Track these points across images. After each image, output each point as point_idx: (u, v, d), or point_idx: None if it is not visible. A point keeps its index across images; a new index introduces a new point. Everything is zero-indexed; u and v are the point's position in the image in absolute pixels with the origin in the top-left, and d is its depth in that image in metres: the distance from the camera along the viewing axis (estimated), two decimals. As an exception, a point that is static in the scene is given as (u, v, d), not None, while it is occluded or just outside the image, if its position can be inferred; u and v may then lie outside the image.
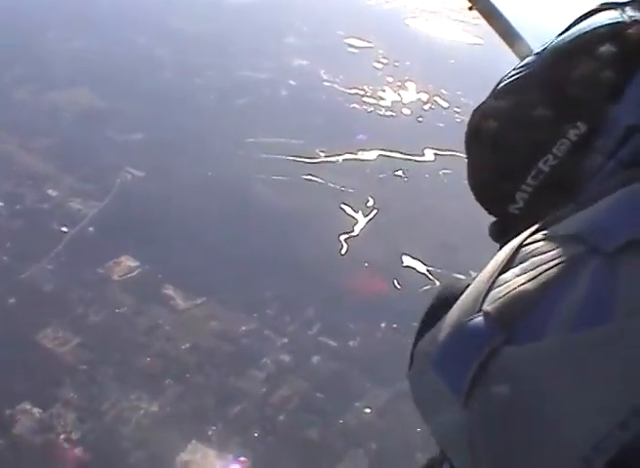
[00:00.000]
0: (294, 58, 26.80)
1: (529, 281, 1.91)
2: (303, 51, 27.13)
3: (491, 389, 1.84)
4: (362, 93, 25.76)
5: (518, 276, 1.96)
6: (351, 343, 15.82)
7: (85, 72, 23.58)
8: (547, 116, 2.31)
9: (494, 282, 2.01)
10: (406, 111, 25.65)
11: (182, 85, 24.17)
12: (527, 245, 2.06)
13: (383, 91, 26.38)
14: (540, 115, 2.32)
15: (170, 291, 16.07)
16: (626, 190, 1.95)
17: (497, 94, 2.55)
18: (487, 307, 1.94)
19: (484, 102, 2.60)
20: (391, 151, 22.50)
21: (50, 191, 18.29)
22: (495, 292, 1.98)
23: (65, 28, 25.68)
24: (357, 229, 19.02)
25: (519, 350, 1.83)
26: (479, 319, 1.93)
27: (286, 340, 15.43)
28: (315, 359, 15.28)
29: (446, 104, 26.51)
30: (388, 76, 27.41)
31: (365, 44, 29.31)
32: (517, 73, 2.51)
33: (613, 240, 1.77)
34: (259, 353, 14.99)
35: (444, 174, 22.76)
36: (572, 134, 2.22)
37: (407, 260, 18.04)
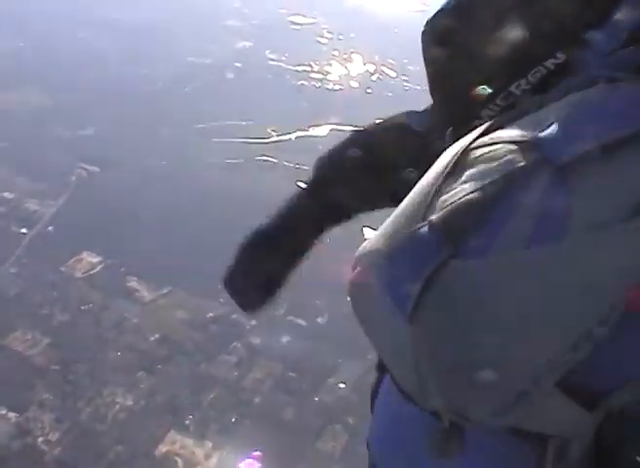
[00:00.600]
0: (237, 40, 26.78)
1: (476, 190, 1.96)
2: (246, 32, 27.10)
3: (438, 304, 1.93)
4: (309, 69, 25.77)
5: (465, 183, 2.01)
6: (320, 320, 15.79)
7: (30, 71, 23.37)
8: (526, 40, 2.38)
9: (439, 188, 2.07)
10: (354, 84, 25.69)
11: (128, 76, 24.01)
12: (474, 148, 2.11)
13: (330, 65, 26.38)
14: (518, 36, 2.39)
15: (134, 283, 15.97)
16: (581, 95, 1.98)
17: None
18: (432, 217, 2.00)
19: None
20: (343, 125, 22.53)
21: (5, 194, 18.12)
22: (440, 201, 2.04)
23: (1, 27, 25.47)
24: (314, 206, 18.97)
25: (468, 264, 1.91)
26: (424, 229, 1.99)
27: (254, 323, 15.43)
28: (285, 339, 15.25)
29: (394, 74, 26.47)
30: (334, 50, 27.42)
31: (308, 20, 29.36)
32: None
33: (567, 152, 1.84)
34: (228, 338, 14.92)
35: None
36: (550, 62, 2.27)
37: (368, 232, 18.08)
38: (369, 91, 25.68)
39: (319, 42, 28.30)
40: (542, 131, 1.93)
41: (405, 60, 27.18)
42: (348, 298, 2.70)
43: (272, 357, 15.32)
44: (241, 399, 14.30)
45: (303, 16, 29.46)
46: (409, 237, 2.00)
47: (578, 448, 2.43)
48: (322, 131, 22.68)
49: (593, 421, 2.37)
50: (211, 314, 15.79)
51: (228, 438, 13.39)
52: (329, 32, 28.58)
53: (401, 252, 2.06)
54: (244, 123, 21.81)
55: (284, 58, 26.51)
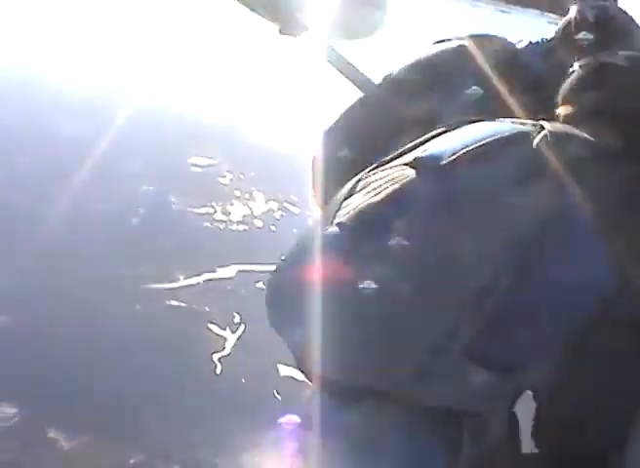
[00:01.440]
0: (140, 185, 26.93)
1: (373, 197, 2.78)
2: (148, 176, 27.29)
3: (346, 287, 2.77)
4: (211, 211, 26.01)
5: (362, 196, 2.85)
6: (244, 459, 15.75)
7: None
8: None
9: (340, 205, 2.91)
10: (258, 223, 25.99)
11: (31, 230, 23.91)
12: (366, 177, 2.98)
13: (232, 205, 26.71)
14: None
15: (52, 434, 15.79)
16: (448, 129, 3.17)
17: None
18: (339, 219, 2.83)
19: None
20: (250, 264, 22.72)
21: None
22: (342, 211, 2.86)
23: None
24: (228, 347, 19.08)
25: (370, 247, 2.73)
26: (334, 229, 2.84)
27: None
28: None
29: (297, 210, 26.94)
30: (235, 190, 27.78)
31: (208, 161, 29.74)
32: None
33: (442, 159, 2.85)
34: None
35: None
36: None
37: (283, 370, 18.10)
38: (273, 229, 25.99)
39: (220, 182, 28.69)
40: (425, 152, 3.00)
41: (307, 196, 27.46)
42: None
43: None
44: None
45: (204, 157, 29.87)
46: (322, 236, 3.04)
47: (496, 426, 2.87)
48: (229, 271, 22.80)
49: (507, 394, 2.89)
50: (132, 460, 15.49)
51: None
52: (229, 172, 29.01)
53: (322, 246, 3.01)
54: (151, 269, 21.79)
55: (186, 202, 26.73)
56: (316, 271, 3.09)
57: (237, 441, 16.07)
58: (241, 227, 25.85)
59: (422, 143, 3.10)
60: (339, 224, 2.83)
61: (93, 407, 16.22)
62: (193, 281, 21.71)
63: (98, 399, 16.43)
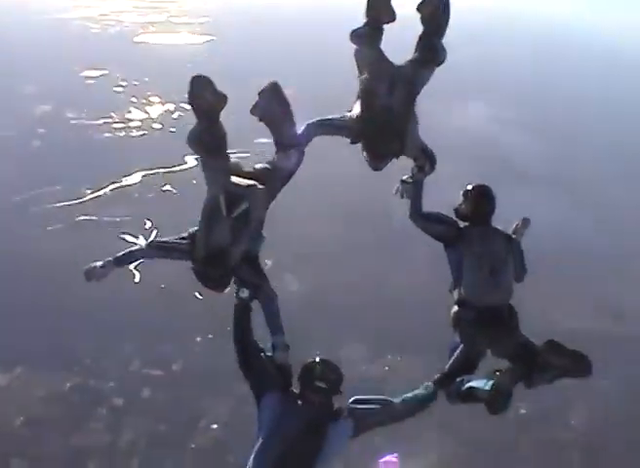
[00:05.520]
0: (36, 105, 26.45)
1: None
2: (44, 96, 26.84)
3: None
4: (110, 121, 25.90)
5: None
6: (174, 367, 16.01)
7: None
8: None
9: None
10: (156, 126, 26.02)
11: None
12: None
13: (130, 112, 26.58)
14: None
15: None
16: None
17: None
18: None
19: None
20: (153, 168, 22.72)
21: None
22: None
23: None
24: (144, 254, 19.12)
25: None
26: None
27: (113, 384, 15.48)
28: (146, 393, 15.41)
29: (194, 108, 26.80)
30: (132, 97, 27.66)
31: (101, 72, 29.31)
32: None
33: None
34: (91, 405, 14.99)
35: None
36: None
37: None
38: (172, 130, 26.13)
39: (116, 92, 28.47)
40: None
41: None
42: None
43: (139, 414, 15.50)
44: (119, 464, 14.37)
45: (96, 68, 29.42)
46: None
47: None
48: (134, 178, 23.22)
49: None
50: (68, 384, 15.81)
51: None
52: (123, 80, 28.75)
53: None
54: (58, 187, 21.85)
55: (84, 115, 26.65)
56: None
57: (165, 350, 16.37)
58: (140, 133, 26.00)
59: None
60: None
61: (21, 338, 16.30)
62: (100, 193, 21.81)
63: (24, 328, 16.51)
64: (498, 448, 13.86)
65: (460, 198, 7.30)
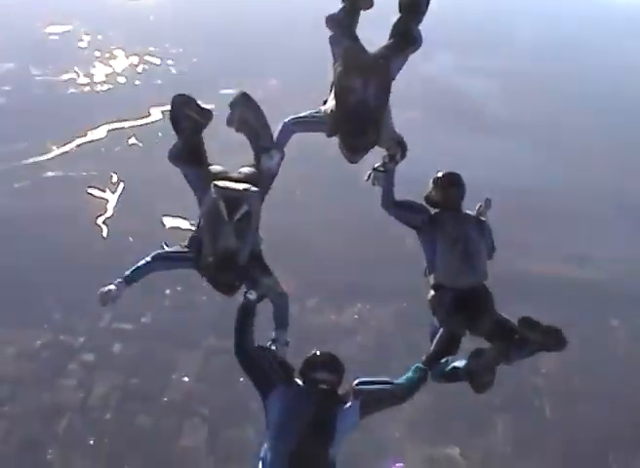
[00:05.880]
0: (0, 63, 26.00)
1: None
2: (8, 54, 26.44)
3: None
4: (75, 76, 25.65)
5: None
6: (144, 320, 15.99)
7: None
8: None
9: None
10: (121, 80, 25.89)
11: None
12: None
13: (94, 67, 26.33)
14: None
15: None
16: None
17: None
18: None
19: None
20: (119, 122, 22.56)
21: None
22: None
23: None
24: (110, 208, 19.08)
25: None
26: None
27: (83, 340, 15.44)
28: (117, 347, 15.43)
29: (158, 61, 26.87)
30: (96, 51, 27.37)
31: (64, 28, 28.89)
32: None
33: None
34: (62, 362, 15.03)
35: None
36: None
37: (168, 221, 18.26)
38: (137, 83, 26.05)
39: (80, 47, 28.12)
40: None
41: (166, 45, 27.58)
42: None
43: (110, 368, 15.57)
44: (93, 418, 14.46)
45: (60, 24, 28.93)
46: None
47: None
48: (100, 133, 23.24)
49: None
50: (38, 342, 15.81)
51: (93, 461, 13.43)
52: (87, 34, 28.41)
53: None
54: (23, 144, 21.67)
55: (49, 71, 26.36)
56: None
57: (134, 304, 16.30)
58: (105, 87, 25.91)
59: None
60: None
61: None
62: (67, 148, 21.70)
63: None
64: (473, 399, 14.03)
65: (430, 185, 7.27)
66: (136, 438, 14.05)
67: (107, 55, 27.24)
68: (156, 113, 24.14)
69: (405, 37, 7.30)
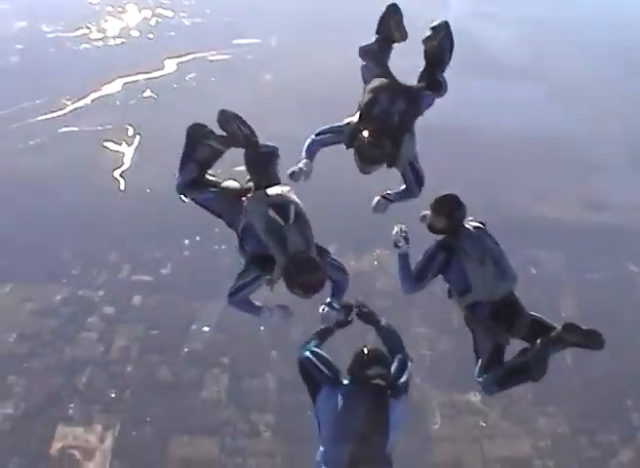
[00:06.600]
0: (12, 22, 25.82)
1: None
2: (19, 12, 26.18)
3: None
4: (87, 31, 25.33)
5: None
6: (163, 271, 15.92)
7: None
8: None
9: None
10: (134, 33, 25.46)
11: None
12: None
13: (107, 21, 26.01)
14: None
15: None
16: None
17: None
18: None
19: None
20: (133, 75, 22.36)
21: None
22: None
23: None
24: (127, 161, 18.94)
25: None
26: None
27: (102, 293, 15.41)
28: (137, 299, 15.38)
29: (171, 13, 26.50)
30: (107, 6, 27.02)
31: (74, -17, 28.38)
32: None
33: None
34: (82, 316, 15.01)
35: (190, 78, 23.91)
36: None
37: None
38: (150, 36, 25.72)
39: (91, 2, 27.76)
40: None
41: (180, -1, 27.51)
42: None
43: (130, 321, 15.56)
44: (114, 372, 14.43)
45: (69, -21, 28.62)
46: None
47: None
48: (115, 86, 22.87)
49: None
50: (58, 297, 15.76)
51: (115, 414, 13.41)
52: (99, -11, 27.96)
53: None
54: (38, 101, 21.56)
55: (60, 28, 26.01)
56: None
57: (153, 255, 16.15)
58: (119, 41, 25.49)
59: None
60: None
61: (7, 255, 16.10)
62: (81, 103, 21.51)
63: (9, 245, 16.31)
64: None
65: (429, 213, 7.47)
66: (157, 390, 14.03)
67: (119, 9, 26.88)
68: (170, 65, 23.91)
69: (432, 86, 7.77)
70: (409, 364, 6.80)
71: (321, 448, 6.26)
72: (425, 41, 7.73)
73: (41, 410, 13.49)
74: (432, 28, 7.77)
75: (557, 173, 19.93)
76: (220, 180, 7.17)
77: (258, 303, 7.22)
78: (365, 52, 7.79)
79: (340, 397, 6.21)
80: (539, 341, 7.01)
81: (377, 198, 7.82)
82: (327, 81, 22.53)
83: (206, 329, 15.05)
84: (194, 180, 7.12)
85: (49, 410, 13.53)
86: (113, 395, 13.79)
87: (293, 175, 7.26)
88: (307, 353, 6.70)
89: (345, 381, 6.38)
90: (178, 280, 16.30)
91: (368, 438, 6.03)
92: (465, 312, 7.39)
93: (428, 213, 7.48)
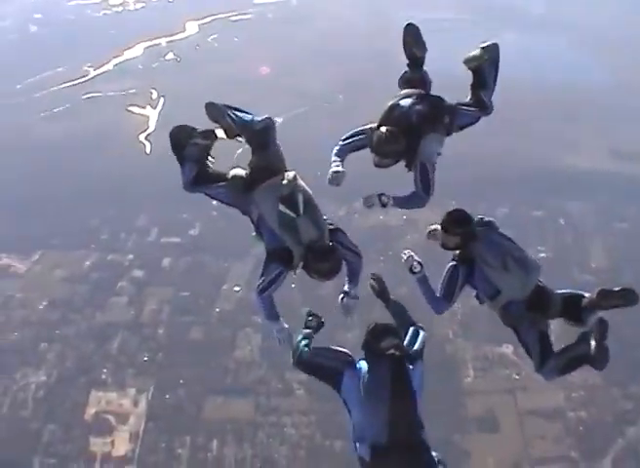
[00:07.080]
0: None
1: None
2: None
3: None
4: (106, -3, 25.28)
5: None
6: (192, 232, 15.89)
7: None
8: None
9: None
10: (155, -1, 25.35)
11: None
12: None
13: (125, -14, 25.91)
14: None
15: (5, 259, 15.71)
16: None
17: None
18: None
19: None
20: (154, 39, 22.29)
21: None
22: None
23: None
24: (152, 124, 18.90)
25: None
26: None
27: (131, 256, 15.38)
28: (166, 261, 15.32)
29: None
30: (125, -29, 26.83)
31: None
32: None
33: None
34: (112, 280, 15.02)
35: (213, 39, 23.74)
36: None
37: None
38: (171, 0, 25.50)
39: (109, -31, 27.68)
40: None
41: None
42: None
43: (160, 283, 15.52)
44: (145, 335, 14.43)
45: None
46: None
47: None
48: (137, 51, 22.86)
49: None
50: (87, 263, 15.74)
51: (148, 378, 13.39)
52: (115, -43, 27.88)
53: None
54: (60, 69, 21.53)
55: (80, -3, 25.95)
56: None
57: (181, 217, 16.10)
58: (139, 5, 25.34)
59: None
60: None
61: (36, 223, 16.11)
62: (104, 69, 21.33)
63: (38, 213, 16.33)
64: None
65: (439, 232, 7.45)
66: (190, 351, 13.99)
67: (138, -27, 26.79)
68: (192, 27, 23.88)
69: (478, 103, 7.89)
70: (421, 333, 6.87)
71: (353, 428, 6.30)
72: (470, 60, 7.82)
73: (74, 377, 13.49)
74: (482, 48, 7.83)
75: (587, 124, 19.60)
76: (224, 172, 7.34)
77: (277, 310, 7.47)
78: (404, 81, 8.00)
79: (361, 376, 6.29)
80: (596, 332, 7.09)
81: (373, 194, 7.70)
82: (349, 37, 22.43)
83: (237, 288, 14.96)
84: (198, 176, 7.38)
85: (82, 376, 13.52)
86: (146, 358, 13.76)
87: (331, 180, 7.32)
88: (304, 355, 6.92)
89: (361, 361, 6.46)
90: (206, 241, 16.24)
91: (399, 405, 6.14)
92: (501, 312, 7.41)
93: (436, 228, 7.51)
